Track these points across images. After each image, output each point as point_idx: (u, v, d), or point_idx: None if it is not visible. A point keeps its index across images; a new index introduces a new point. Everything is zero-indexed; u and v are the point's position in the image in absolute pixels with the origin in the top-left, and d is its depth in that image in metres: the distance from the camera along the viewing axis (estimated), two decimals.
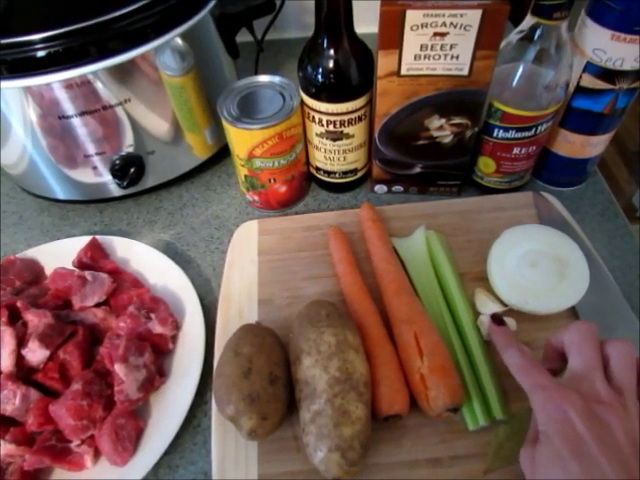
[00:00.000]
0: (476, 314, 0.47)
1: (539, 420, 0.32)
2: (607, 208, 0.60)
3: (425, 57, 0.46)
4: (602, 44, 0.47)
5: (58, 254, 0.55)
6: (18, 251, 0.57)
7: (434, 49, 0.45)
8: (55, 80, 0.47)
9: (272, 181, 0.56)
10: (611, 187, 0.62)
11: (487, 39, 0.44)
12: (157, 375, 0.45)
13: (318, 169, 0.60)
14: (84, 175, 0.58)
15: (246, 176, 0.56)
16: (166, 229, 0.61)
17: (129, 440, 0.42)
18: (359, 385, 0.38)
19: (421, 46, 0.45)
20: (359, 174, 0.60)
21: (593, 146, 0.56)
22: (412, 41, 0.45)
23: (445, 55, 0.46)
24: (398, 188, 0.61)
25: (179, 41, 0.52)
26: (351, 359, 0.39)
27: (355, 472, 0.36)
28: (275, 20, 0.69)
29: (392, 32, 0.44)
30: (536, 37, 0.47)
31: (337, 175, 0.59)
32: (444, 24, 0.43)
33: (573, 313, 0.47)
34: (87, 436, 0.42)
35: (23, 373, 0.45)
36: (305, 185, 0.62)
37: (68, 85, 0.48)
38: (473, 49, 0.45)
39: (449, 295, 0.48)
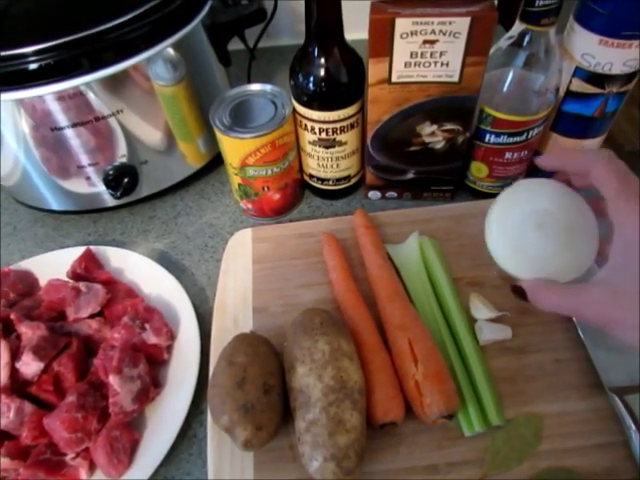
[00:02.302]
0: (471, 319, 0.47)
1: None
2: None
3: (415, 64, 0.46)
4: (590, 49, 0.47)
5: (52, 265, 0.55)
6: (12, 262, 0.57)
7: (424, 56, 0.46)
8: (47, 92, 0.47)
9: (265, 189, 0.56)
10: None
11: (476, 46, 0.44)
12: (152, 386, 0.45)
13: (311, 176, 0.60)
14: (78, 186, 0.58)
15: (239, 184, 0.57)
16: (160, 238, 0.61)
17: (124, 452, 0.42)
18: (353, 393, 0.38)
19: (411, 53, 0.45)
20: (352, 181, 0.60)
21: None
22: (402, 49, 0.45)
23: (435, 62, 0.46)
24: (392, 194, 0.61)
25: (171, 51, 0.52)
26: (345, 367, 0.39)
27: None
28: (267, 28, 0.69)
29: (382, 40, 0.45)
30: (525, 43, 0.47)
31: (330, 182, 0.59)
32: (433, 32, 0.44)
33: (569, 317, 0.47)
34: (82, 449, 0.42)
35: (17, 386, 0.44)
36: (299, 192, 0.62)
37: (60, 97, 0.48)
38: (463, 56, 0.45)
39: (443, 301, 0.48)
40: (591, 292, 0.32)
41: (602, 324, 0.32)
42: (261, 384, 0.39)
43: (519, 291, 0.36)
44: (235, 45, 0.66)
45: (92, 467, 0.43)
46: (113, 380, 0.42)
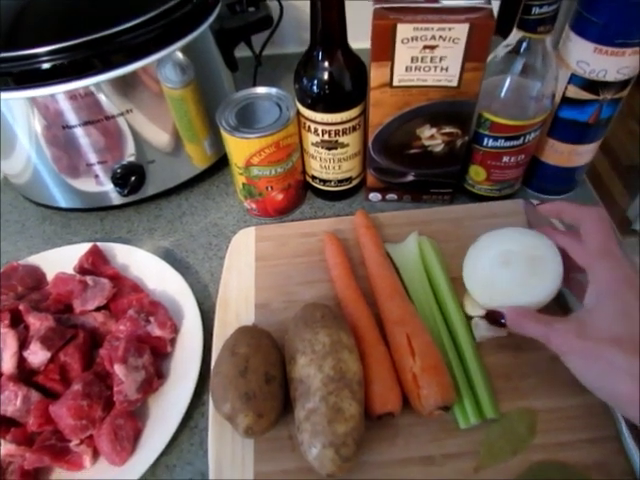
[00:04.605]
0: (467, 317, 0.49)
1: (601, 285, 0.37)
2: None
3: (416, 69, 0.48)
4: (585, 57, 0.49)
5: (59, 261, 0.57)
6: (20, 258, 0.58)
7: (424, 61, 0.47)
8: (59, 91, 0.49)
9: (269, 189, 0.58)
10: (606, 201, 0.63)
11: (475, 51, 0.46)
12: (155, 377, 0.46)
13: (314, 177, 0.61)
14: (86, 184, 0.59)
15: (244, 184, 0.58)
16: (165, 236, 0.63)
17: (127, 440, 0.43)
18: (352, 383, 0.39)
19: (412, 58, 0.47)
20: (354, 182, 0.62)
21: (580, 155, 0.57)
22: (403, 53, 0.47)
23: (435, 67, 0.48)
24: (392, 196, 0.62)
25: (180, 55, 0.54)
26: (345, 358, 0.40)
27: (348, 468, 0.37)
28: (273, 35, 0.71)
29: (384, 45, 0.46)
30: (522, 50, 0.49)
31: (332, 183, 0.61)
32: (433, 37, 0.45)
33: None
34: (86, 436, 0.43)
35: (24, 375, 0.46)
36: (301, 193, 0.64)
37: (72, 96, 0.50)
38: (462, 61, 0.47)
39: (441, 298, 0.49)
40: (562, 323, 0.38)
41: (563, 352, 0.37)
42: (263, 374, 0.40)
43: (495, 317, 0.42)
44: (242, 52, 0.68)
45: (96, 455, 0.44)
46: (118, 369, 0.44)
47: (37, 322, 0.47)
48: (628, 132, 2.17)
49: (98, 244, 0.57)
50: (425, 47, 0.46)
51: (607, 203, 0.62)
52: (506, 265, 0.45)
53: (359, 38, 0.56)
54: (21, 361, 0.46)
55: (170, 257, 0.60)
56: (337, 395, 0.38)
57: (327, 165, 0.58)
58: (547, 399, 0.44)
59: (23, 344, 0.46)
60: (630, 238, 1.77)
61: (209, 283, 0.57)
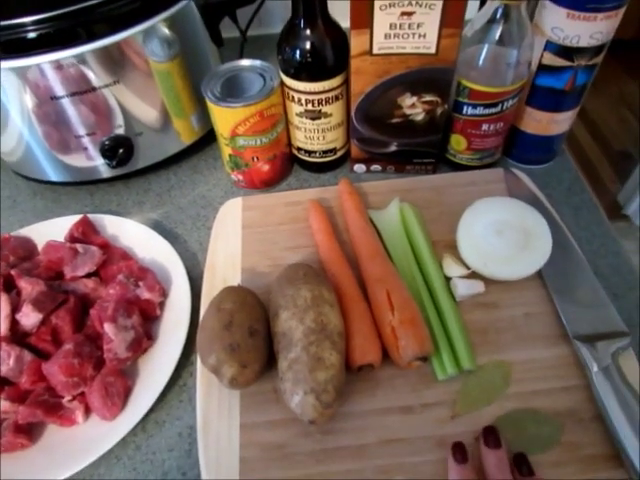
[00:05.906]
0: (446, 277, 0.50)
1: None
2: (574, 183, 0.63)
3: (395, 36, 0.49)
4: (559, 23, 0.50)
5: (50, 232, 0.58)
6: (12, 232, 0.59)
7: (402, 28, 0.48)
8: (45, 61, 0.50)
9: (255, 160, 0.59)
10: (597, 186, 0.65)
11: (451, 17, 0.47)
12: (145, 337, 0.48)
13: (299, 149, 0.63)
14: (76, 157, 0.60)
15: (230, 155, 0.59)
16: (155, 209, 0.64)
17: (118, 396, 0.44)
18: (333, 335, 0.40)
19: (390, 25, 0.48)
20: (339, 153, 0.63)
21: (558, 123, 0.59)
22: (382, 20, 0.48)
23: (413, 34, 0.49)
24: (376, 167, 0.64)
25: (164, 28, 0.55)
26: (326, 312, 0.41)
27: (329, 414, 0.39)
28: (259, 11, 0.72)
29: (362, 12, 0.48)
30: (498, 17, 0.50)
31: (317, 154, 0.62)
32: (410, 3, 0.46)
33: (539, 276, 0.50)
34: (78, 393, 0.44)
35: (17, 337, 0.47)
36: (287, 165, 0.65)
37: (58, 66, 0.51)
38: (439, 27, 0.48)
39: (421, 260, 0.51)
40: None
41: None
42: (247, 327, 0.42)
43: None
44: (229, 33, 0.69)
45: (87, 412, 0.45)
46: (108, 328, 0.45)
47: (29, 286, 0.48)
48: (619, 119, 2.20)
49: (88, 215, 0.58)
50: (403, 14, 0.47)
51: (598, 188, 0.64)
52: (500, 234, 0.49)
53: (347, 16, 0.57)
54: (14, 324, 0.47)
55: (159, 228, 0.61)
56: (318, 345, 0.39)
57: (311, 136, 0.59)
58: (521, 351, 0.45)
59: (16, 308, 0.47)
60: (620, 222, 1.80)
61: (197, 252, 0.59)
